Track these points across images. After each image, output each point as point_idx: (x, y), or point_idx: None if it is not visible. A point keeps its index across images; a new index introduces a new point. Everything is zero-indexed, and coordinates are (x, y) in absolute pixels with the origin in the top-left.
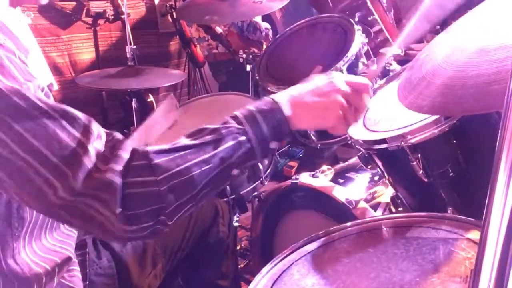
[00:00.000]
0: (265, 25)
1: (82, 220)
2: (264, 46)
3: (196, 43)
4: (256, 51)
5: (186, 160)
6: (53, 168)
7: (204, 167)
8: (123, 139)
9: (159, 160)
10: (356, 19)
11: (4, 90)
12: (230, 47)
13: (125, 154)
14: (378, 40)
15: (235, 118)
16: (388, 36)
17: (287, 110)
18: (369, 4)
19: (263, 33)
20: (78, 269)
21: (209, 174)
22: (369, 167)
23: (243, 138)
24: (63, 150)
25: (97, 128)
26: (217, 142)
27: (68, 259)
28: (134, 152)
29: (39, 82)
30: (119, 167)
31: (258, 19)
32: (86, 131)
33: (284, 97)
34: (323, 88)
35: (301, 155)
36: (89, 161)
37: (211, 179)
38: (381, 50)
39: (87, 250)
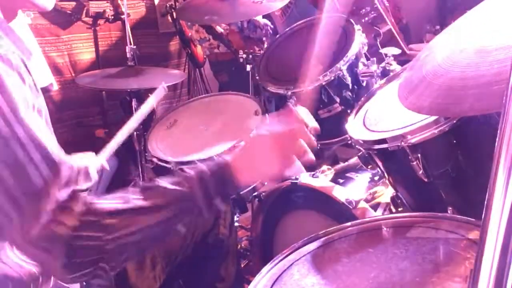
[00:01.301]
0: (264, 21)
1: (31, 259)
2: (265, 44)
3: (196, 44)
4: (256, 50)
5: (135, 223)
6: (16, 207)
7: (152, 230)
8: (81, 191)
9: (110, 220)
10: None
11: None
12: (231, 46)
13: (78, 207)
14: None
15: (189, 179)
16: (397, 36)
17: (237, 177)
18: (377, 3)
19: (263, 31)
20: None
21: (156, 236)
22: (369, 167)
23: (192, 203)
24: (30, 187)
25: (66, 172)
26: (168, 207)
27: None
28: (87, 206)
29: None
30: (71, 221)
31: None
32: (56, 173)
33: (234, 162)
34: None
35: None
36: (48, 208)
37: (156, 239)
38: (381, 50)
39: None
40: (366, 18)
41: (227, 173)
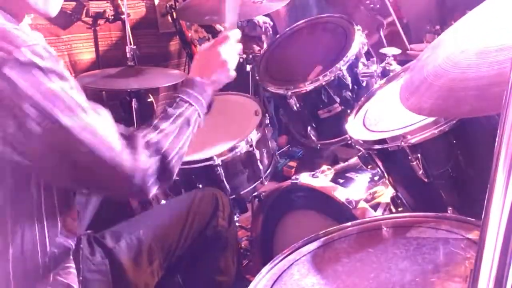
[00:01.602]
0: (263, 19)
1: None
2: (265, 43)
3: (196, 44)
4: (256, 50)
5: (179, 140)
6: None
7: (188, 140)
8: (135, 135)
9: (166, 146)
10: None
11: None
12: None
13: (141, 145)
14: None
15: (182, 99)
16: (400, 30)
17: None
18: None
19: (263, 29)
20: (74, 265)
21: (190, 141)
22: (369, 167)
23: (195, 111)
24: (109, 151)
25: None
26: (188, 121)
27: (66, 254)
28: (145, 140)
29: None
30: (148, 153)
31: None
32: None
33: (199, 76)
34: (209, 58)
35: (300, 155)
36: (127, 156)
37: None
38: (381, 50)
39: (81, 246)
40: (371, 6)
41: (206, 90)
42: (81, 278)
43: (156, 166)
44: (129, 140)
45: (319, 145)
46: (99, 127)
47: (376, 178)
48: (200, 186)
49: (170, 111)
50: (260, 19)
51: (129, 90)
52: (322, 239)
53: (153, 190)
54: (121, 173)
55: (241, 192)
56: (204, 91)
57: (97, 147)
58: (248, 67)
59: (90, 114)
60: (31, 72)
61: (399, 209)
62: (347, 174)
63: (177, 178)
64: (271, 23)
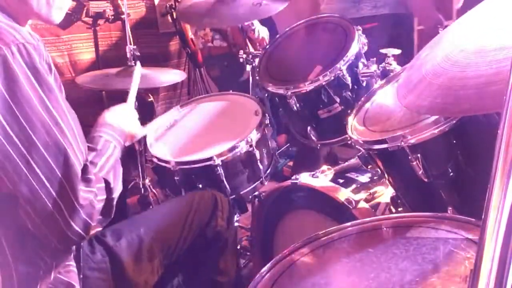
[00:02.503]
0: (262, 34)
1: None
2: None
3: (196, 44)
4: (255, 50)
5: (118, 178)
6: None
7: (118, 168)
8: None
9: (112, 184)
10: None
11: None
12: (226, 35)
13: (92, 175)
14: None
15: (108, 140)
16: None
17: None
18: None
19: (256, 35)
20: (74, 264)
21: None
22: (369, 167)
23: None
24: (69, 171)
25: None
26: (115, 152)
27: (67, 252)
28: (95, 175)
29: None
30: (97, 184)
31: (257, 25)
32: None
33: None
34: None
35: (294, 154)
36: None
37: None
38: (382, 50)
39: (81, 244)
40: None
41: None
42: (81, 276)
43: (103, 203)
44: (83, 170)
45: (319, 145)
46: (67, 147)
47: (376, 178)
48: (200, 186)
49: (101, 149)
50: (261, 32)
51: (129, 90)
52: (322, 239)
53: (91, 230)
54: (72, 202)
55: (241, 192)
56: (122, 136)
57: (59, 169)
58: (248, 67)
59: (63, 130)
60: (14, 72)
61: (399, 209)
62: (347, 174)
63: (177, 178)
64: (267, 41)
